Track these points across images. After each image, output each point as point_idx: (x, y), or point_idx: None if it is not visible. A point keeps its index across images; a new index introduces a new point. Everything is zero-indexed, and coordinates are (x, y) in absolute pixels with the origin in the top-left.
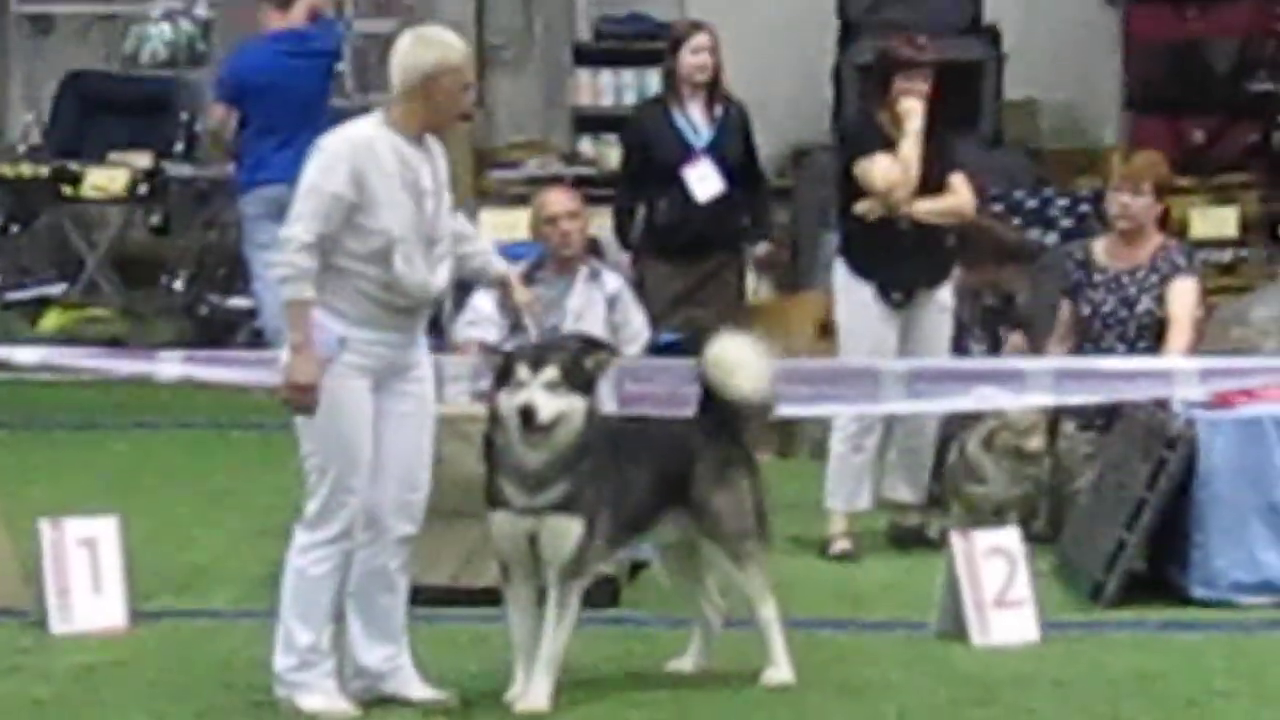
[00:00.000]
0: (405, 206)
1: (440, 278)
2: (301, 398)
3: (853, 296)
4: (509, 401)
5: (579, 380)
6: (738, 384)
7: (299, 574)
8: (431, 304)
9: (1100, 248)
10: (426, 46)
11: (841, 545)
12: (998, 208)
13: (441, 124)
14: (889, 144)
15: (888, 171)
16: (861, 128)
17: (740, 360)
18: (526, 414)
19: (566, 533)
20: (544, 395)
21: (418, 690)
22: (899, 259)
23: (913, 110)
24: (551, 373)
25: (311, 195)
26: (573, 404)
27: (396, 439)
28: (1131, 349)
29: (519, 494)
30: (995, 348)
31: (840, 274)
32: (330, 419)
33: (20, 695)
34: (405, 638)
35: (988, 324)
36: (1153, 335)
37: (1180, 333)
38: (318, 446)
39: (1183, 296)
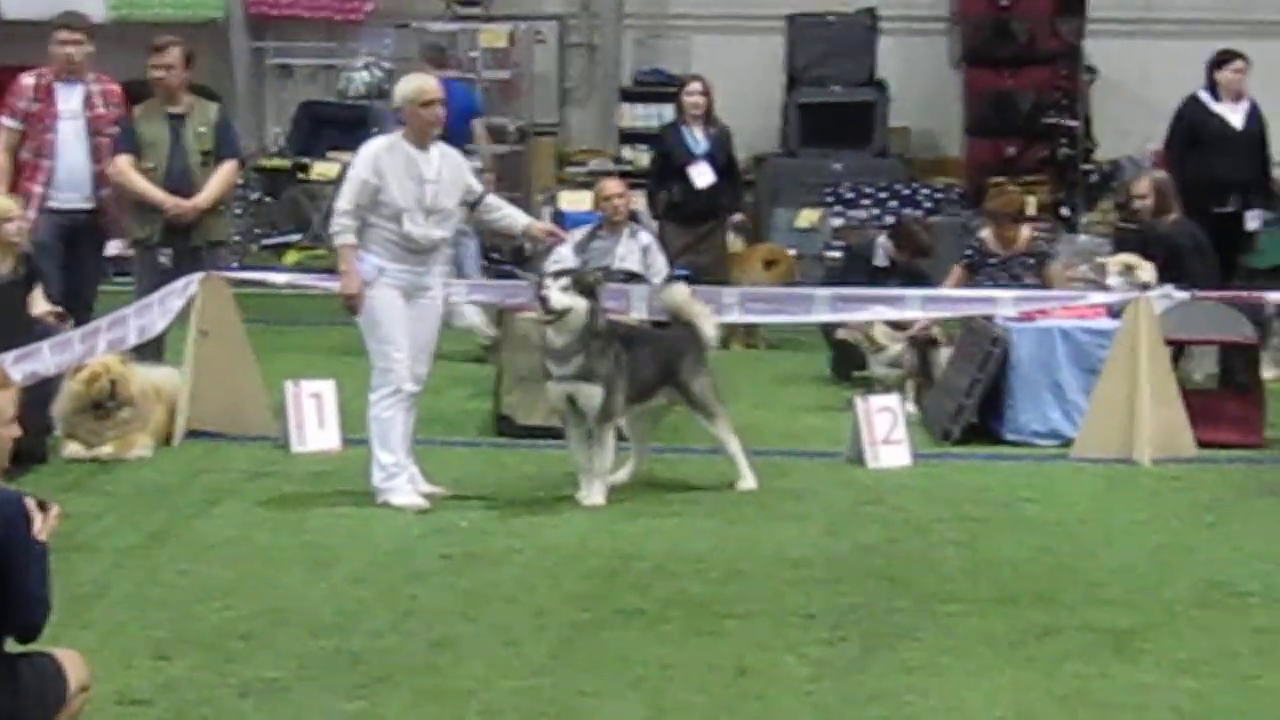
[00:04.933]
0: (409, 189)
1: (437, 233)
2: (351, 302)
3: None
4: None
5: (582, 287)
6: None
7: (375, 418)
8: (434, 249)
9: (988, 237)
10: (406, 84)
11: None
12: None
13: (424, 136)
14: None
15: None
16: None
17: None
18: (543, 302)
19: (591, 395)
20: (557, 293)
21: (422, 486)
22: None
23: None
24: (564, 281)
25: (351, 180)
26: (576, 301)
27: (413, 332)
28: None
29: (556, 367)
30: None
31: None
32: (379, 318)
33: (273, 489)
34: (411, 452)
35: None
36: None
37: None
38: (373, 336)
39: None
